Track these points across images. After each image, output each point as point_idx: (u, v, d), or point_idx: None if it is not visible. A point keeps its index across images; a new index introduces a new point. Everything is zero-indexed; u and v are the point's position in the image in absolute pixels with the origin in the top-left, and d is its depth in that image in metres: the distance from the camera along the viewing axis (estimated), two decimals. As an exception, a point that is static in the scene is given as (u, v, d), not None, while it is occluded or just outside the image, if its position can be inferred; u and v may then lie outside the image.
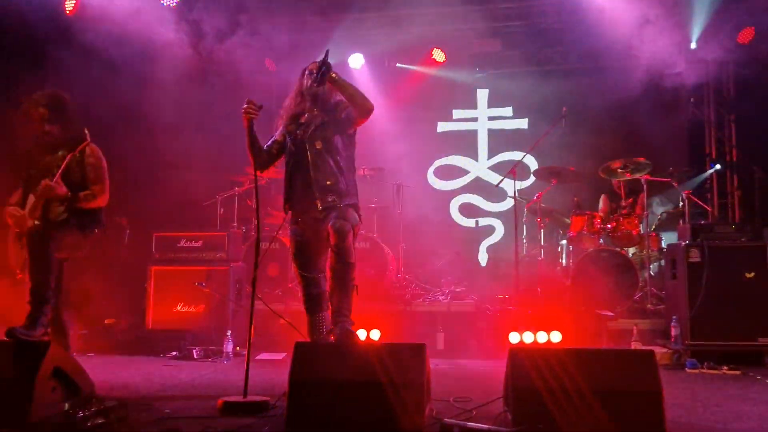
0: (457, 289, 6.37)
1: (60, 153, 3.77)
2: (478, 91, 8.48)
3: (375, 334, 5.19)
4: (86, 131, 3.83)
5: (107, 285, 6.12)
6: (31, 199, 3.72)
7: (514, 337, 5.12)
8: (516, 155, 7.94)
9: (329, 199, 3.67)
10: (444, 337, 5.46)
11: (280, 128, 3.92)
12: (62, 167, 3.64)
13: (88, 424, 2.83)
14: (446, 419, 2.84)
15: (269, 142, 3.89)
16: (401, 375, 2.83)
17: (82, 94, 6.05)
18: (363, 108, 3.72)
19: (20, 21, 5.78)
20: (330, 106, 3.84)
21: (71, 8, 5.87)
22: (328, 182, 3.69)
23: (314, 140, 3.74)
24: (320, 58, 3.71)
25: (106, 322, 5.80)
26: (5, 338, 3.22)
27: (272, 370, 4.52)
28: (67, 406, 3.16)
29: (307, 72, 3.84)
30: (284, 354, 5.31)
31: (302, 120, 3.84)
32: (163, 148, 6.50)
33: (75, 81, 5.88)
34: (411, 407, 2.77)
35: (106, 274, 6.16)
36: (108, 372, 4.43)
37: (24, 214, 3.72)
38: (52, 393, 3.14)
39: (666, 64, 7.03)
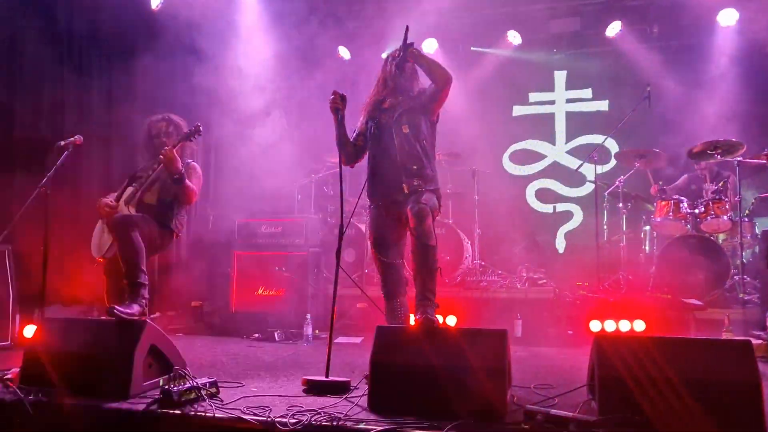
0: (535, 276, 6.26)
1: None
2: (556, 72, 8.25)
3: (451, 321, 5.20)
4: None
5: (194, 269, 6.41)
6: (129, 191, 3.96)
7: (595, 326, 5.00)
8: (596, 138, 7.69)
9: (415, 183, 3.68)
10: (522, 324, 5.39)
11: (363, 118, 3.94)
12: (176, 146, 3.97)
13: (182, 399, 2.98)
14: (529, 406, 2.81)
15: (354, 135, 3.92)
16: (483, 360, 2.83)
17: (167, 86, 6.36)
18: (443, 78, 3.71)
19: (112, 19, 6.08)
20: (414, 92, 3.85)
21: (157, 4, 6.10)
22: (415, 167, 3.71)
23: (401, 125, 3.75)
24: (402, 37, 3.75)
25: (193, 304, 6.08)
26: (107, 316, 3.44)
27: (351, 353, 4.61)
28: (161, 381, 3.35)
29: (390, 59, 3.85)
30: (361, 338, 5.41)
31: (386, 106, 3.85)
32: (244, 135, 6.69)
33: (161, 73, 6.16)
34: (493, 393, 2.76)
35: (192, 259, 6.47)
36: (196, 351, 4.64)
37: (116, 205, 3.97)
38: (149, 369, 3.33)
39: (761, 38, 6.60)
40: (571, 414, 2.68)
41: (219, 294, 6.12)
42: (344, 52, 8.23)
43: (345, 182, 3.77)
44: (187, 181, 4.02)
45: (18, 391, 3.15)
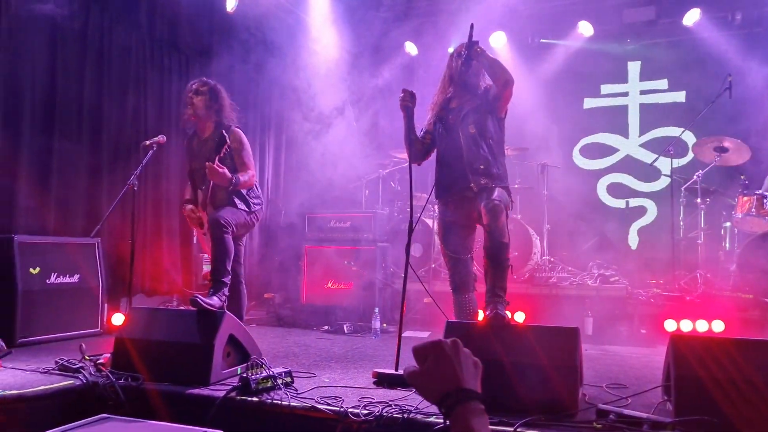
0: (606, 273, 6.12)
1: (210, 144, 4.17)
2: (629, 63, 8.00)
3: (519, 317, 5.16)
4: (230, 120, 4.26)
5: (266, 262, 6.64)
6: (200, 195, 4.15)
7: (670, 325, 4.86)
8: (672, 131, 7.43)
9: (482, 182, 3.70)
10: (593, 322, 5.29)
11: (430, 117, 3.97)
12: (218, 156, 3.97)
13: (259, 387, 3.11)
14: (601, 405, 2.78)
15: (422, 133, 3.96)
16: (554, 358, 2.82)
17: (242, 84, 6.58)
18: (503, 80, 3.69)
19: (190, 22, 6.35)
20: (481, 90, 3.84)
21: (233, 7, 6.32)
22: (482, 166, 3.71)
23: (467, 125, 3.76)
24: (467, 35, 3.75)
25: (265, 296, 6.29)
26: (190, 306, 3.63)
27: (419, 347, 4.65)
28: (239, 369, 3.51)
29: (455, 55, 3.86)
30: (428, 332, 5.46)
31: (453, 105, 3.87)
32: (314, 131, 6.85)
33: (235, 72, 6.39)
34: (564, 390, 2.75)
35: (264, 252, 6.69)
36: (269, 342, 4.81)
37: (197, 216, 4.18)
38: (227, 357, 3.49)
39: None
40: (645, 415, 2.64)
41: (290, 286, 6.30)
42: (411, 48, 8.26)
43: (413, 178, 3.81)
44: (241, 180, 4.09)
45: (110, 375, 3.38)
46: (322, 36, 7.05)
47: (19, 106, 4.90)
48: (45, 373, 3.51)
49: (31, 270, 4.51)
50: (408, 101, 3.72)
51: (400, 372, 3.42)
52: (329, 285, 5.97)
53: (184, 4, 6.14)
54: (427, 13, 7.93)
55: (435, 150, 3.98)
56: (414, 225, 3.64)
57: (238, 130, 4.26)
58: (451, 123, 3.80)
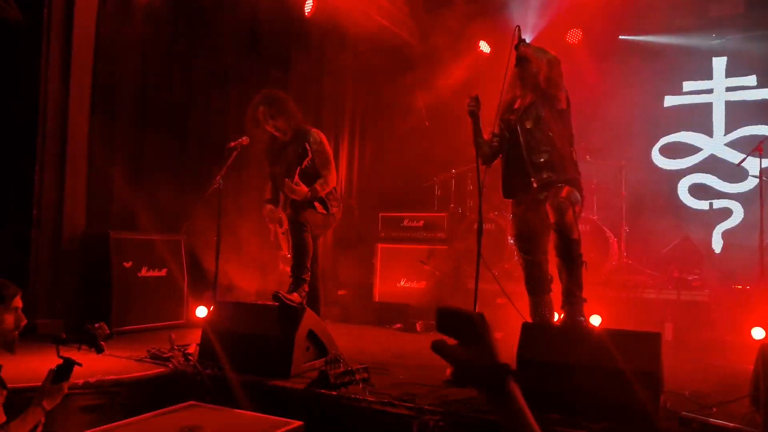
0: (689, 277, 5.89)
1: (291, 149, 4.26)
2: (714, 59, 7.64)
3: (595, 320, 5.06)
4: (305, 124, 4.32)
5: (339, 260, 6.78)
6: (281, 195, 4.27)
7: (758, 333, 4.64)
8: (761, 129, 7.05)
9: (544, 176, 3.66)
10: (672, 327, 5.12)
11: (497, 120, 3.99)
12: (300, 167, 4.08)
13: (338, 382, 3.21)
14: (684, 413, 2.72)
15: (490, 137, 3.99)
16: (635, 363, 2.77)
17: (318, 86, 6.75)
18: (545, 60, 3.72)
19: (269, 26, 6.57)
20: (537, 85, 3.82)
21: (309, 10, 6.49)
22: (542, 159, 3.69)
23: (525, 121, 3.77)
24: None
25: (339, 293, 6.43)
26: (272, 302, 3.78)
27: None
28: (317, 364, 3.63)
29: (510, 60, 3.87)
30: (501, 334, 5.42)
31: (515, 106, 3.88)
32: (387, 131, 6.94)
33: (312, 73, 6.56)
34: (646, 397, 2.70)
35: (338, 250, 6.84)
36: (343, 338, 4.87)
37: (278, 217, 4.31)
38: (306, 352, 3.62)
39: None
40: (732, 425, 2.56)
41: (363, 284, 6.41)
42: (484, 46, 8.21)
43: (484, 178, 3.82)
44: (319, 191, 4.14)
45: (197, 364, 3.57)
46: (396, 35, 7.12)
47: (113, 111, 5.23)
48: (138, 360, 3.75)
49: (124, 264, 4.82)
50: (474, 106, 3.77)
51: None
52: (402, 283, 6.04)
53: (263, 9, 6.36)
54: (502, 10, 7.85)
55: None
56: (482, 225, 3.66)
57: (316, 131, 4.34)
58: (512, 122, 3.81)
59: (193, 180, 5.86)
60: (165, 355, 3.75)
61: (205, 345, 3.74)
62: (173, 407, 2.91)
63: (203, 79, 6.05)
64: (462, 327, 1.01)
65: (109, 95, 5.18)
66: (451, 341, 1.03)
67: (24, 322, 2.41)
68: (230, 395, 3.39)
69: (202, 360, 3.65)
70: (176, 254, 5.24)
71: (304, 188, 4.06)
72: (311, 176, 4.21)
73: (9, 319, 2.33)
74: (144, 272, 4.95)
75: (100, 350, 2.56)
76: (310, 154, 4.17)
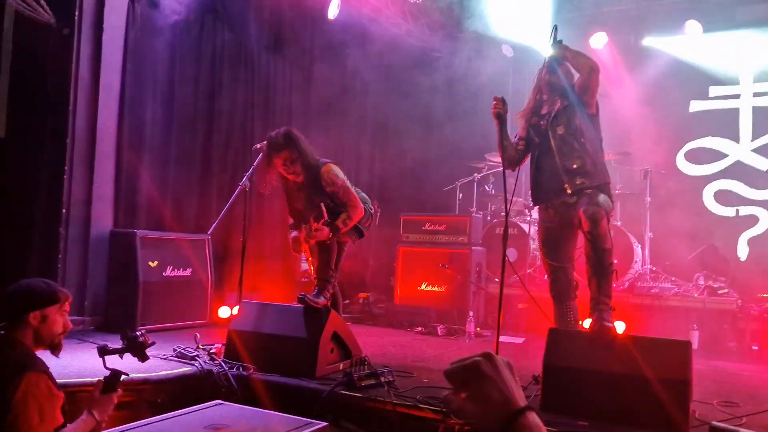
0: (714, 285, 5.82)
1: (308, 191, 3.94)
2: (742, 65, 7.55)
3: (619, 327, 5.00)
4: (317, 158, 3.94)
5: (361, 262, 6.80)
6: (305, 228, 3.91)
7: (785, 342, 4.57)
8: (790, 136, 6.96)
9: (578, 182, 3.64)
10: (699, 335, 5.06)
11: (523, 124, 3.97)
12: (321, 218, 3.76)
13: (362, 384, 3.23)
14: (715, 422, 2.68)
15: (515, 140, 3.96)
16: (664, 371, 2.75)
17: (340, 90, 6.78)
18: (587, 66, 3.67)
19: (293, 29, 6.62)
20: (568, 90, 3.80)
21: (334, 14, 6.52)
22: (575, 165, 3.66)
23: (556, 126, 3.73)
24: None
25: (360, 295, 6.45)
26: (296, 303, 3.80)
27: (514, 352, 4.64)
28: (341, 365, 3.65)
29: (545, 62, 3.84)
30: (523, 338, 5.41)
31: (543, 111, 3.86)
32: (410, 134, 6.95)
33: (335, 77, 6.59)
34: (674, 405, 2.68)
35: (359, 252, 6.85)
36: (365, 340, 4.89)
37: (299, 242, 4.01)
38: (331, 353, 3.64)
39: None
40: (764, 435, 2.52)
41: (384, 287, 6.42)
42: (507, 50, 8.18)
43: (506, 182, 3.78)
44: (341, 229, 3.86)
45: (223, 364, 3.60)
46: (419, 38, 7.12)
47: (141, 112, 5.30)
48: (164, 359, 3.79)
49: (150, 263, 4.88)
50: (500, 108, 3.75)
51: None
52: (423, 287, 6.03)
53: (288, 14, 6.41)
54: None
55: (529, 156, 3.97)
56: (507, 229, 3.64)
57: (326, 170, 3.92)
58: (543, 128, 3.78)
59: (220, 181, 5.93)
60: (191, 355, 3.79)
61: (230, 345, 3.77)
62: (199, 406, 2.93)
63: (229, 82, 6.11)
64: (470, 378, 1.00)
65: (138, 96, 5.25)
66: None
67: (70, 327, 2.45)
68: (255, 395, 3.41)
69: (227, 359, 3.68)
70: (201, 254, 5.29)
71: (325, 231, 3.77)
72: (334, 210, 3.92)
73: (59, 322, 2.37)
74: (169, 272, 5.00)
75: (144, 359, 2.59)
76: (328, 199, 3.91)
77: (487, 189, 7.16)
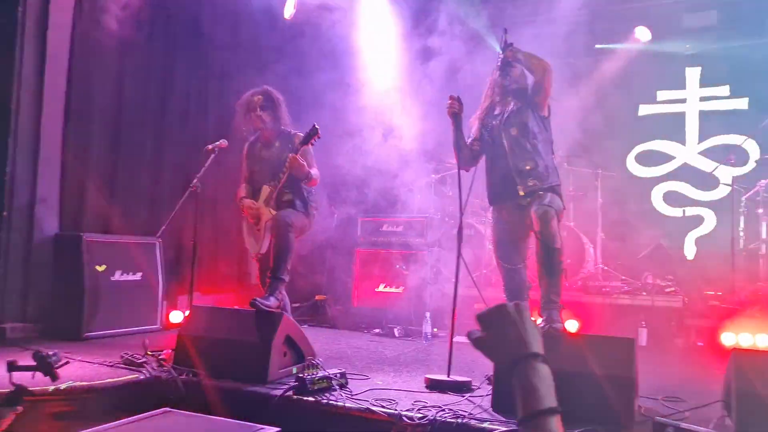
0: (662, 283, 5.98)
1: (276, 151, 4.32)
2: (688, 69, 7.79)
3: (572, 326, 5.11)
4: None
5: (318, 264, 6.74)
6: (265, 190, 4.26)
7: (728, 339, 4.73)
8: (733, 139, 7.19)
9: (530, 184, 3.69)
10: (647, 333, 5.19)
11: (477, 125, 4.00)
12: (299, 149, 4.17)
13: (315, 387, 3.19)
14: (658, 417, 2.75)
15: (470, 141, 3.99)
16: (610, 368, 2.80)
17: (298, 90, 6.71)
18: (540, 68, 3.72)
19: (249, 29, 6.53)
20: (521, 92, 3.85)
21: (290, 13, 6.46)
22: (527, 167, 3.71)
23: (509, 127, 3.78)
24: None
25: (317, 297, 6.40)
26: (248, 307, 3.74)
27: (469, 352, 4.65)
28: (294, 369, 3.61)
29: (497, 64, 3.88)
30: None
31: (497, 111, 3.90)
32: (368, 136, 6.92)
33: (293, 75, 6.52)
34: (620, 402, 2.73)
35: (316, 254, 6.80)
36: (321, 343, 4.89)
37: (259, 206, 4.30)
38: (283, 357, 3.59)
39: None
40: (704, 429, 2.59)
41: (341, 289, 6.39)
42: (472, 54, 8.23)
43: (464, 183, 3.82)
44: (313, 175, 4.27)
45: (172, 370, 3.52)
46: (381, 39, 7.11)
47: (89, 111, 5.14)
48: (111, 366, 3.68)
49: (97, 267, 4.73)
50: (456, 108, 3.76)
51: (453, 378, 3.45)
52: (380, 288, 6.03)
53: (244, 12, 6.31)
54: (486, 17, 7.89)
55: (483, 157, 4.00)
56: (462, 230, 3.67)
57: (302, 135, 4.38)
58: (496, 129, 3.82)
59: (172, 182, 5.79)
60: (138, 361, 3.69)
61: (180, 350, 3.69)
62: (147, 414, 2.85)
63: (182, 81, 5.99)
64: (495, 319, 1.14)
65: (85, 96, 5.09)
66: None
67: None
68: (206, 402, 3.34)
69: (176, 366, 3.59)
70: (151, 258, 5.17)
71: (306, 166, 4.17)
72: (296, 179, 4.27)
73: None
74: (118, 276, 4.87)
75: (54, 378, 2.50)
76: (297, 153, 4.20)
77: (445, 190, 7.19)
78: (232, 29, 6.47)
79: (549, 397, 1.08)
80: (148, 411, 2.84)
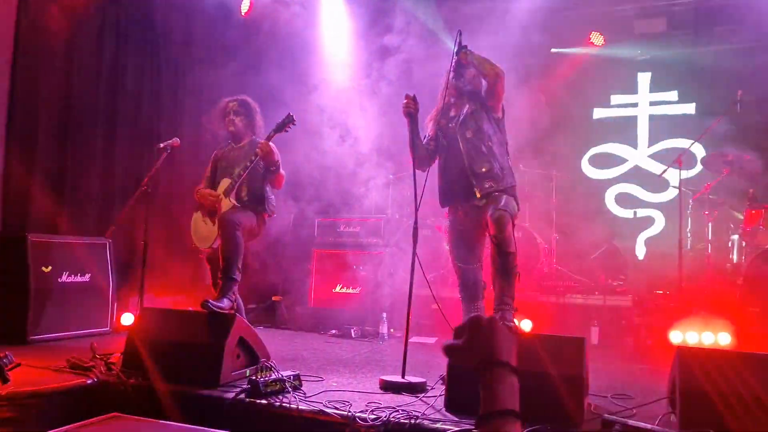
0: (614, 283, 6.13)
1: (243, 154, 4.33)
2: (640, 74, 8.01)
3: (526, 325, 5.18)
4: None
5: (275, 265, 6.67)
6: (226, 181, 4.23)
7: (675, 337, 4.86)
8: (681, 143, 7.44)
9: (486, 186, 3.72)
10: (599, 331, 5.31)
11: (432, 125, 4.02)
12: (272, 136, 4.28)
13: (268, 390, 3.15)
14: (606, 415, 2.81)
15: (425, 140, 4.00)
16: (561, 367, 2.84)
17: (254, 88, 6.61)
18: (492, 73, 3.74)
19: (204, 25, 6.42)
20: (475, 94, 3.88)
21: (246, 10, 6.38)
22: (483, 169, 3.74)
23: (465, 130, 3.80)
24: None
25: (273, 298, 6.33)
26: (200, 309, 3.67)
27: (425, 353, 4.68)
28: (248, 372, 3.55)
29: (451, 65, 3.90)
30: (435, 338, 5.48)
31: (452, 113, 3.92)
32: (325, 136, 6.88)
33: (248, 76, 6.43)
34: (571, 400, 2.78)
35: (273, 255, 6.73)
36: (277, 344, 4.84)
37: (218, 194, 4.26)
38: (236, 360, 3.53)
39: None
40: (650, 426, 2.66)
41: (298, 290, 6.33)
42: (430, 54, 8.26)
43: (424, 183, 3.84)
44: (281, 171, 4.30)
45: (121, 374, 3.42)
46: (337, 39, 7.09)
47: (35, 109, 4.97)
48: (57, 370, 3.56)
49: (44, 268, 4.58)
50: (411, 107, 3.76)
51: (408, 380, 3.46)
52: (337, 289, 6.00)
53: (198, 8, 6.20)
54: (442, 18, 7.94)
55: (438, 159, 4.02)
56: (418, 230, 3.68)
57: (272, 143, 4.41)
58: (451, 131, 3.84)
59: (123, 183, 5.65)
60: (86, 365, 3.57)
61: (129, 353, 3.59)
62: (94, 419, 2.77)
63: (134, 78, 5.84)
64: (469, 328, 1.19)
65: (31, 94, 4.92)
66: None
67: None
68: (156, 406, 3.26)
69: (125, 369, 3.50)
70: (101, 259, 5.02)
71: (277, 154, 4.23)
72: (260, 178, 4.30)
73: None
74: (65, 277, 4.71)
75: (5, 381, 2.41)
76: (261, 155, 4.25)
77: (404, 191, 7.20)
78: (185, 25, 6.34)
79: (509, 402, 1.11)
80: (96, 416, 2.77)
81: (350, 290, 5.95)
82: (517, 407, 1.11)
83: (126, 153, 5.78)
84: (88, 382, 3.39)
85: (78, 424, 2.68)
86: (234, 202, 4.22)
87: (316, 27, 7.07)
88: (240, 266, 3.97)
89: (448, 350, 1.21)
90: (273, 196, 4.48)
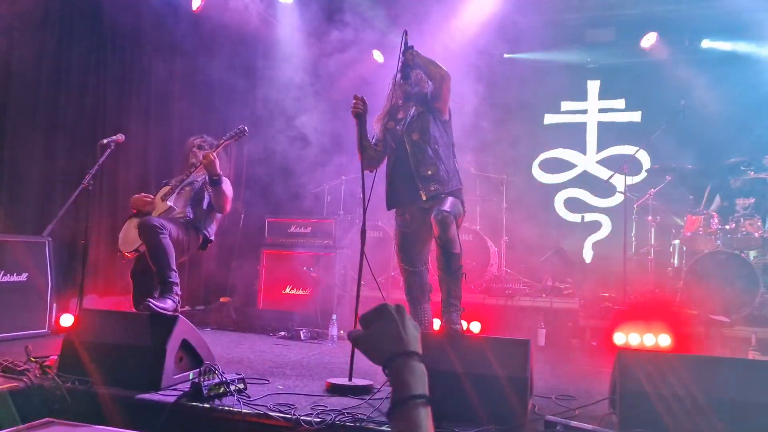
0: (561, 286, 6.25)
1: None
2: (589, 82, 8.22)
3: (475, 327, 5.23)
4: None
5: (223, 265, 6.55)
6: (164, 189, 4.11)
7: (619, 338, 4.99)
8: (627, 149, 7.66)
9: (432, 189, 3.72)
10: (546, 333, 5.40)
11: (379, 127, 4.00)
12: (219, 148, 4.25)
13: (211, 393, 3.07)
14: (549, 416, 2.85)
15: (373, 141, 3.98)
16: (506, 369, 2.87)
17: (204, 86, 6.49)
18: (438, 76, 3.75)
19: (155, 18, 6.24)
20: (422, 96, 3.88)
21: (197, 5, 6.24)
22: (429, 172, 3.74)
23: (411, 132, 3.80)
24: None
25: (221, 299, 6.21)
26: (141, 310, 3.56)
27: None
28: (191, 375, 3.46)
29: (398, 66, 3.89)
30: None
31: (399, 115, 3.92)
32: (276, 137, 6.80)
33: (198, 73, 6.31)
34: (515, 401, 2.80)
35: (221, 256, 6.61)
36: (223, 347, 4.75)
37: (155, 198, 4.13)
38: (179, 362, 3.44)
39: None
40: (591, 426, 2.71)
41: (247, 291, 6.23)
42: (378, 56, 8.29)
43: (372, 185, 3.83)
44: (223, 184, 4.16)
45: (56, 378, 3.29)
46: (287, 42, 7.03)
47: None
48: (-13, 374, 3.39)
49: (-24, 267, 4.37)
50: (360, 108, 3.74)
51: (354, 383, 3.43)
52: (287, 290, 5.94)
53: (149, 1, 6.03)
54: (393, 20, 7.96)
55: (384, 161, 4.01)
56: (366, 231, 3.66)
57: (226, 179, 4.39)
58: (398, 133, 3.83)
59: (64, 180, 5.44)
60: (19, 368, 3.41)
61: (66, 356, 3.45)
62: (26, 425, 2.65)
63: (78, 72, 5.63)
64: (377, 317, 1.17)
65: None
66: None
67: None
68: (95, 410, 3.14)
69: (62, 373, 3.36)
70: (39, 258, 4.82)
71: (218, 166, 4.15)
72: (204, 197, 4.27)
73: None
74: (0, 277, 4.51)
75: None
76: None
77: (355, 192, 7.17)
78: (135, 19, 6.15)
79: (419, 389, 1.09)
80: (30, 422, 2.65)
81: (300, 291, 5.89)
82: (428, 393, 1.10)
83: (68, 149, 5.56)
84: (21, 385, 3.24)
85: (10, 430, 2.56)
86: (171, 204, 4.10)
87: (266, 22, 6.99)
88: (174, 266, 3.85)
89: (355, 339, 1.18)
90: (214, 225, 4.39)
